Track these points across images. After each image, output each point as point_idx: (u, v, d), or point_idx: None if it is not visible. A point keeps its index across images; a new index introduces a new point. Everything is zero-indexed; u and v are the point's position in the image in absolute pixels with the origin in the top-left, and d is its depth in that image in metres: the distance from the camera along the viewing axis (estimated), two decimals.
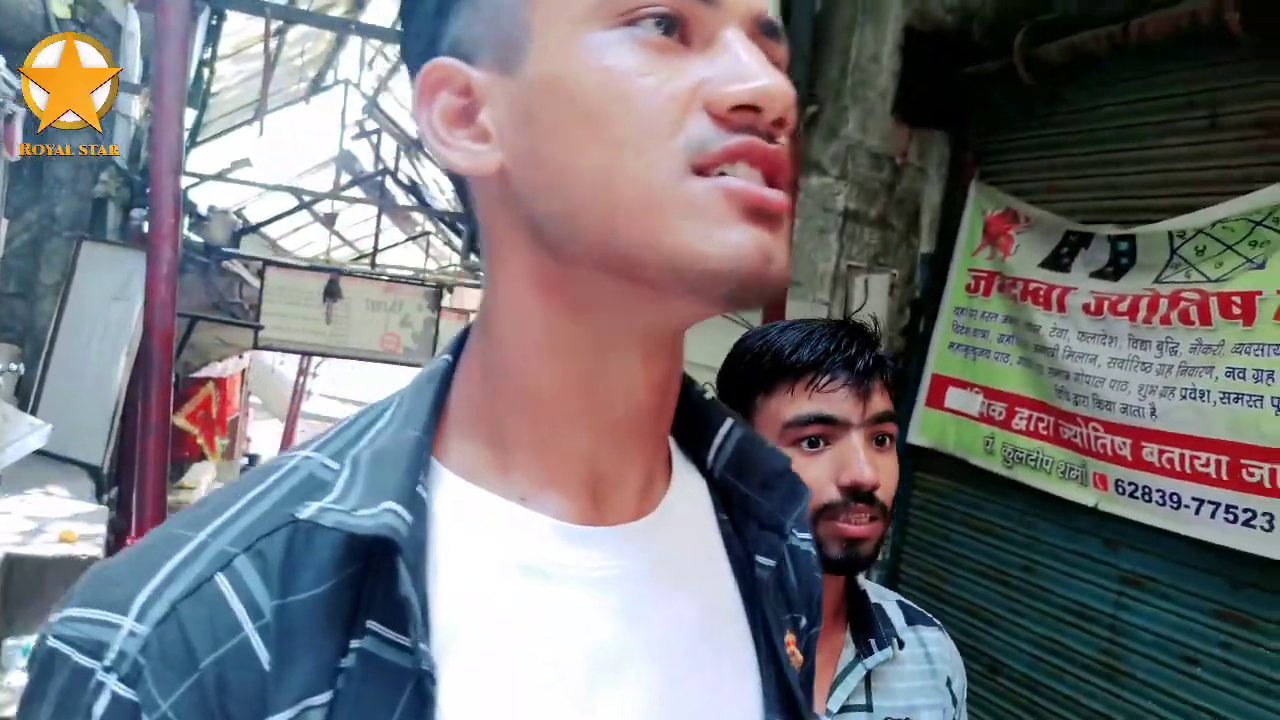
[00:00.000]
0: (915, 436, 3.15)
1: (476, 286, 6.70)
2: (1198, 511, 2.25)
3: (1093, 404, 2.51)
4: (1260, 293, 2.16)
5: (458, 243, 7.90)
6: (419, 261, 7.78)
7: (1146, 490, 2.38)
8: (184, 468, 7.69)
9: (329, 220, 6.49)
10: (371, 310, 6.21)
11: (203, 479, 8.67)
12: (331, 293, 6.02)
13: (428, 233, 8.55)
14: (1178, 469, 2.29)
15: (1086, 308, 2.56)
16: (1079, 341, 2.58)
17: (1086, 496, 2.55)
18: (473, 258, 6.13)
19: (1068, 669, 2.65)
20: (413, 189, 6.63)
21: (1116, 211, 2.65)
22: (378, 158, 6.58)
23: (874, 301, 3.19)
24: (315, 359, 12.11)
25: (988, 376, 2.92)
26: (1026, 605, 2.80)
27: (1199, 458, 2.24)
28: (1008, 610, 2.84)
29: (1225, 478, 2.18)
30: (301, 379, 11.35)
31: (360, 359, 6.33)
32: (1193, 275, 2.36)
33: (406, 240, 8.50)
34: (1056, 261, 2.74)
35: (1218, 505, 2.20)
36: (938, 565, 3.11)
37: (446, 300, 6.64)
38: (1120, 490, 2.45)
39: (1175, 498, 2.30)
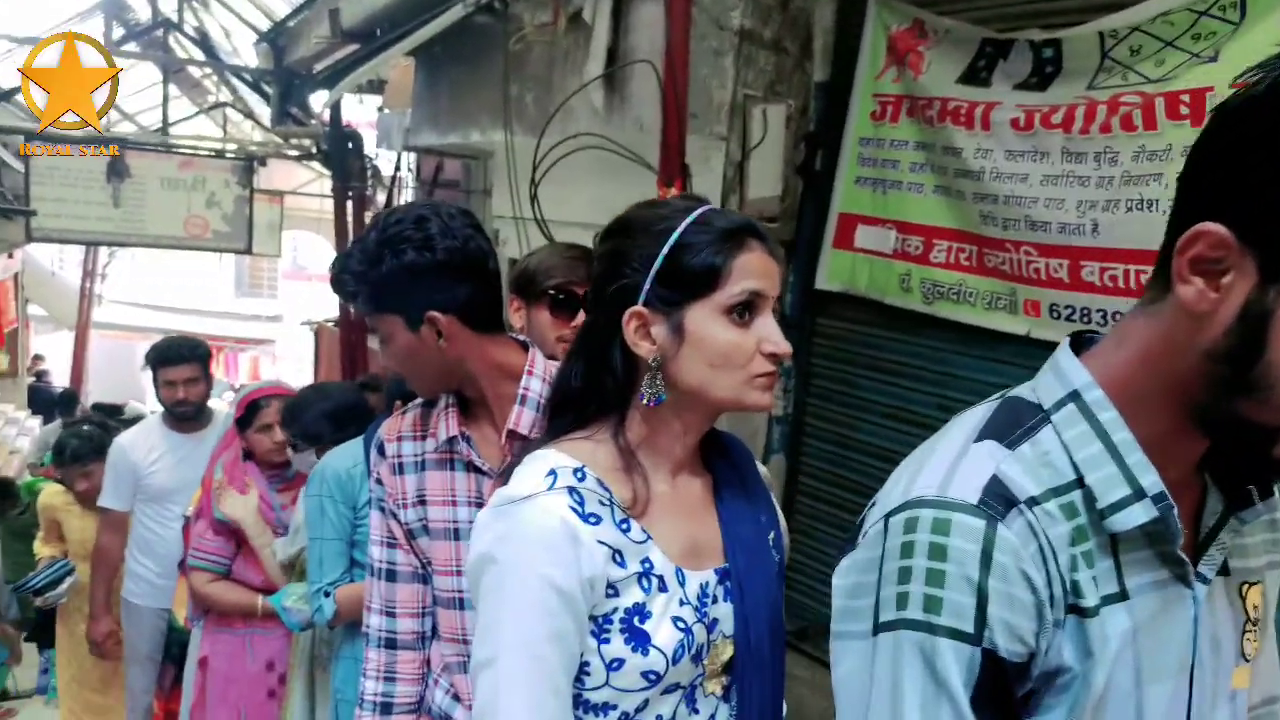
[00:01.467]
0: (824, 281, 2.94)
1: (291, 158, 5.92)
2: None
3: (1024, 226, 2.35)
4: (1211, 89, 2.01)
5: (264, 110, 6.97)
6: (218, 136, 6.79)
7: (1086, 312, 2.26)
8: None
9: None
10: (169, 189, 5.39)
11: None
12: (117, 171, 5.15)
13: (224, 103, 7.51)
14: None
15: (1014, 123, 2.37)
16: (1006, 161, 2.40)
17: (1017, 325, 2.42)
18: (288, 124, 5.37)
19: None
20: (203, 43, 5.68)
21: (1037, 16, 2.44)
22: (155, 7, 5.56)
23: (772, 135, 2.90)
24: (102, 257, 10.73)
25: (901, 209, 2.71)
26: None
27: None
28: (912, 448, 2.73)
29: None
30: (88, 281, 10.03)
31: (161, 247, 5.52)
32: (1130, 78, 2.19)
33: (199, 113, 7.44)
34: (974, 75, 2.52)
35: None
36: (844, 413, 2.97)
37: (258, 178, 5.84)
38: (1055, 315, 2.32)
39: (1119, 317, 2.19)
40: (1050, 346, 2.33)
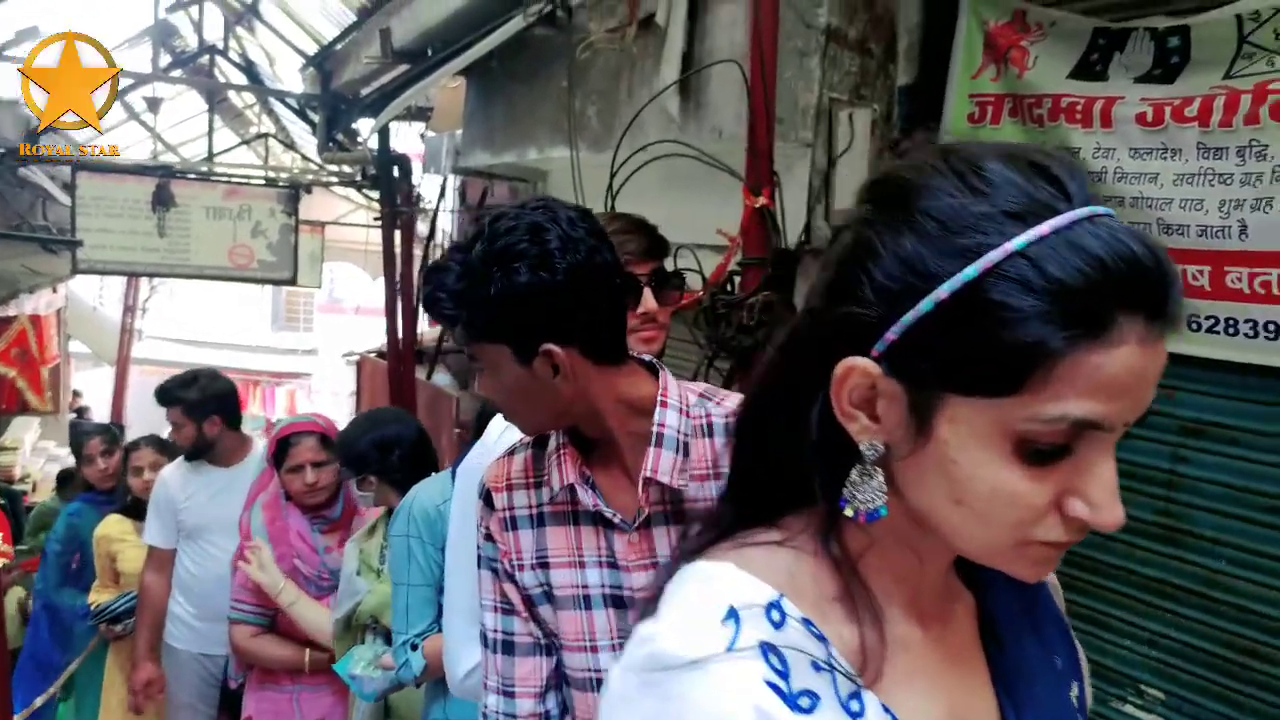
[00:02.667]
0: None
1: (338, 184, 5.83)
2: None
3: (1158, 230, 2.13)
4: None
5: (306, 140, 6.91)
6: (261, 164, 6.74)
7: (1232, 322, 2.03)
8: (3, 423, 6.57)
9: (152, 105, 5.40)
10: (214, 219, 5.30)
11: (25, 436, 7.51)
12: (162, 199, 5.07)
13: (266, 134, 7.48)
14: (1276, 292, 1.95)
15: (1141, 118, 2.16)
16: (1132, 160, 2.19)
17: None
18: (333, 149, 5.28)
19: (1115, 536, 2.34)
20: (248, 70, 5.62)
21: (1155, 3, 2.25)
22: (200, 34, 5.51)
23: (859, 141, 2.71)
24: (143, 292, 10.75)
25: None
26: None
27: None
28: None
29: None
30: (129, 317, 10.03)
31: (206, 278, 5.43)
32: (1278, 63, 1.98)
33: (241, 143, 7.41)
34: (1088, 69, 2.32)
35: None
36: None
37: (303, 205, 5.75)
38: (1194, 326, 2.10)
39: (1272, 327, 1.97)
40: (1190, 361, 2.14)
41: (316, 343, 18.56)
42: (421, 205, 5.63)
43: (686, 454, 1.11)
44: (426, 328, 6.79)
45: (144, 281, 10.76)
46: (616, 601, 1.13)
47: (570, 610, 1.14)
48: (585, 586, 1.13)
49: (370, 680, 1.98)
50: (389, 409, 2.95)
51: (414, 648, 1.85)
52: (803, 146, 2.63)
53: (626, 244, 1.39)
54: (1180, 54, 2.17)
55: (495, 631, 1.20)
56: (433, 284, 1.10)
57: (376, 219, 8.12)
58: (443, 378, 6.54)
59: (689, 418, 1.13)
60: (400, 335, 5.13)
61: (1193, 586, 2.18)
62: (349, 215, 10.10)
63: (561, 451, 1.14)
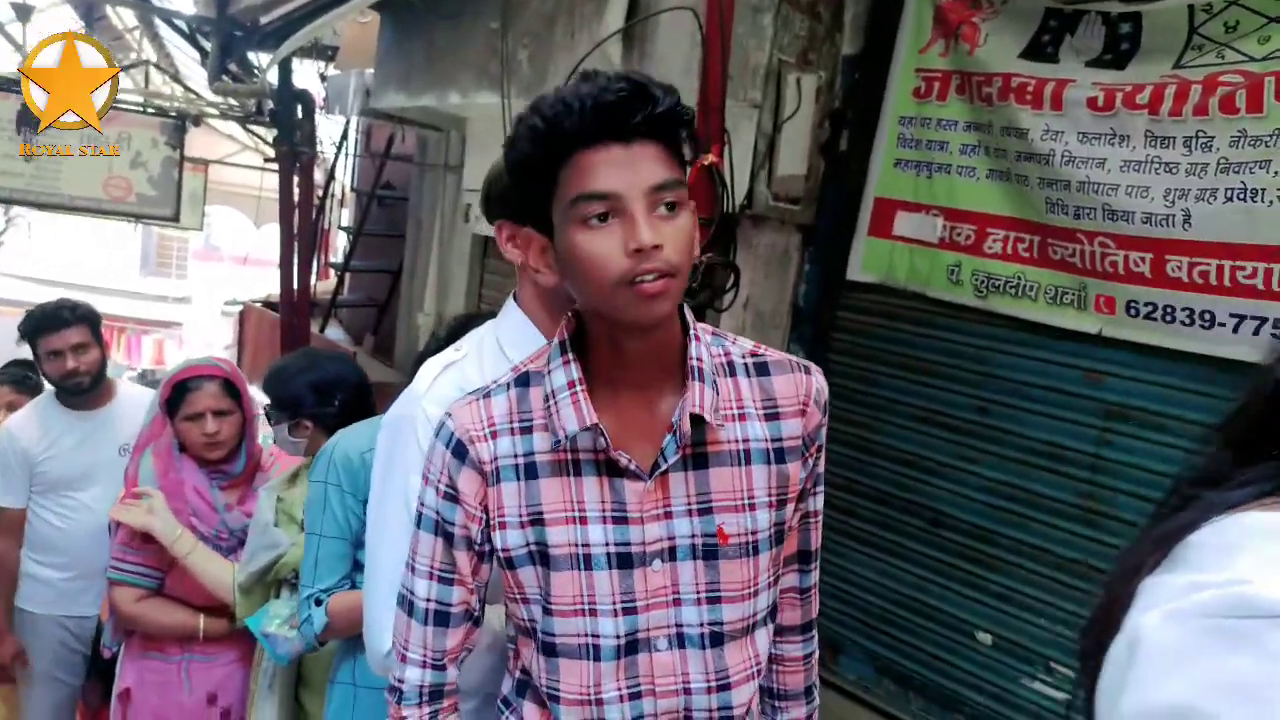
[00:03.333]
0: (857, 271, 2.70)
1: (230, 118, 5.42)
2: (1236, 329, 1.96)
3: (1101, 216, 2.15)
4: None
5: (191, 71, 6.42)
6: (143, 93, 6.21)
7: (1170, 309, 2.06)
8: None
9: (21, 13, 4.84)
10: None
11: None
12: (28, 120, 4.59)
13: (147, 61, 6.91)
14: (1214, 282, 1.99)
15: (1091, 103, 2.17)
16: (1080, 144, 2.20)
17: (1086, 322, 2.22)
18: (225, 80, 4.89)
19: (1034, 516, 2.37)
20: None
21: None
22: None
23: (804, 108, 2.65)
24: None
25: (949, 195, 2.49)
26: (979, 450, 2.48)
27: (1243, 268, 1.94)
28: (954, 457, 2.53)
29: (1278, 288, 1.89)
30: None
31: (78, 210, 4.97)
32: (1228, 56, 2.00)
33: (118, 70, 6.82)
34: (1038, 50, 2.32)
35: (1263, 320, 1.92)
36: (864, 414, 2.74)
37: (189, 138, 5.32)
38: (1133, 312, 2.13)
39: (1208, 316, 2.00)
40: (1125, 346, 2.17)
41: (190, 290, 17.54)
42: (320, 149, 5.30)
43: (716, 392, 1.03)
44: (318, 280, 6.44)
45: None
46: (623, 560, 1.02)
47: (567, 571, 1.02)
48: (587, 545, 1.02)
49: (285, 640, 1.80)
50: (325, 350, 2.67)
51: (318, 603, 1.70)
52: (750, 107, 2.55)
53: None
54: (1131, 40, 2.18)
55: (428, 601, 1.08)
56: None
57: (269, 160, 7.66)
58: (336, 332, 6.21)
59: (711, 355, 1.05)
60: (295, 285, 4.82)
61: (1111, 569, 2.23)
62: (235, 156, 9.51)
63: (574, 391, 1.01)
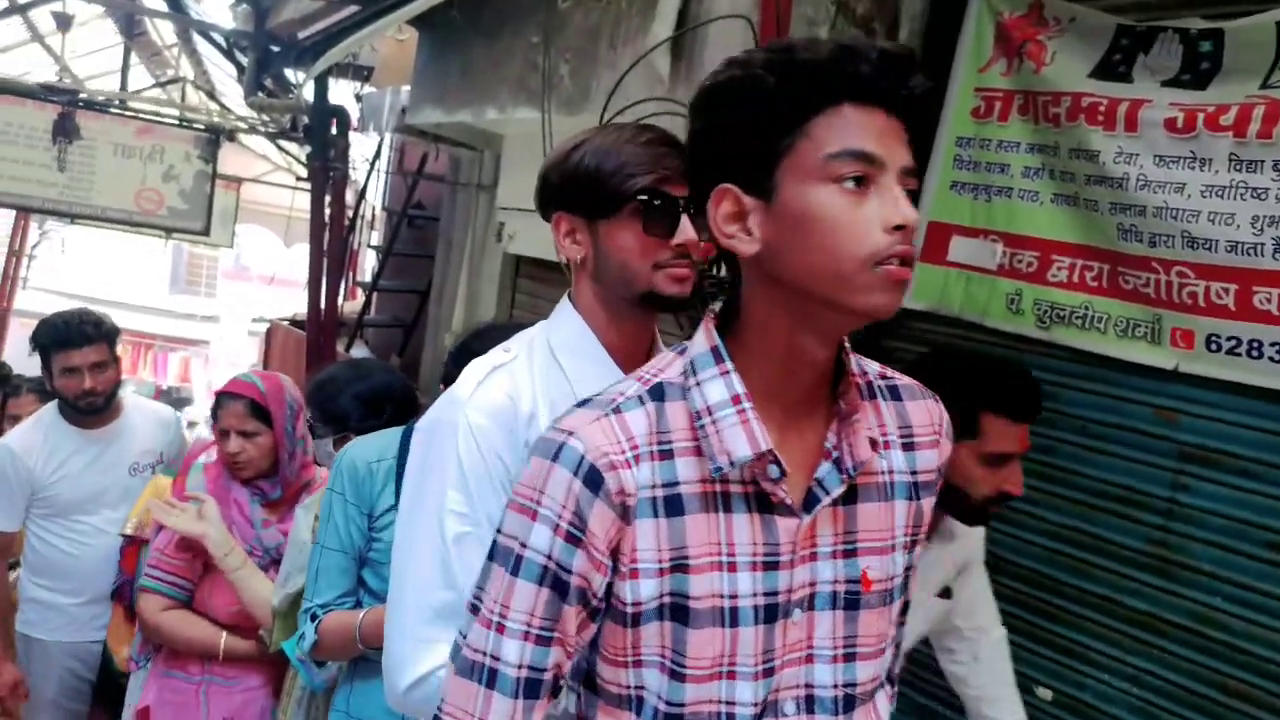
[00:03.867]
0: (909, 299, 2.56)
1: (264, 133, 5.40)
2: None
3: (1181, 244, 2.01)
4: None
5: (230, 90, 6.43)
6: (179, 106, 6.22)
7: (1256, 344, 1.92)
8: None
9: (61, 23, 4.84)
10: (122, 157, 4.84)
11: None
12: (65, 130, 4.59)
13: (183, 79, 6.95)
14: None
15: (1170, 124, 2.04)
16: (1157, 168, 2.06)
17: (1160, 357, 2.08)
18: (261, 95, 4.86)
19: (1101, 564, 2.21)
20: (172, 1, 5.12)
21: (1185, 5, 2.14)
22: None
23: None
24: (31, 237, 9.94)
25: (1009, 220, 2.36)
26: (1041, 491, 2.33)
27: None
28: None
29: None
30: (13, 262, 9.24)
31: (109, 220, 4.95)
32: None
33: (155, 85, 6.87)
34: (1109, 70, 2.19)
35: None
36: None
37: (222, 155, 5.29)
38: (1214, 347, 1.98)
39: None
40: (1204, 382, 2.02)
41: (218, 309, 17.65)
42: (352, 168, 5.26)
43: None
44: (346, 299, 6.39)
45: (34, 226, 9.96)
46: (769, 613, 0.87)
47: (709, 628, 0.86)
48: (734, 595, 0.86)
49: (322, 667, 1.69)
50: (370, 359, 2.56)
51: (313, 618, 1.60)
52: None
53: (663, 159, 1.12)
54: (1212, 59, 2.05)
55: (520, 668, 0.86)
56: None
57: (300, 179, 7.67)
58: (361, 351, 6.15)
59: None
60: (323, 303, 4.76)
61: (1184, 622, 2.06)
62: (268, 176, 9.55)
63: (740, 408, 0.86)
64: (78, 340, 2.52)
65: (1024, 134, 2.36)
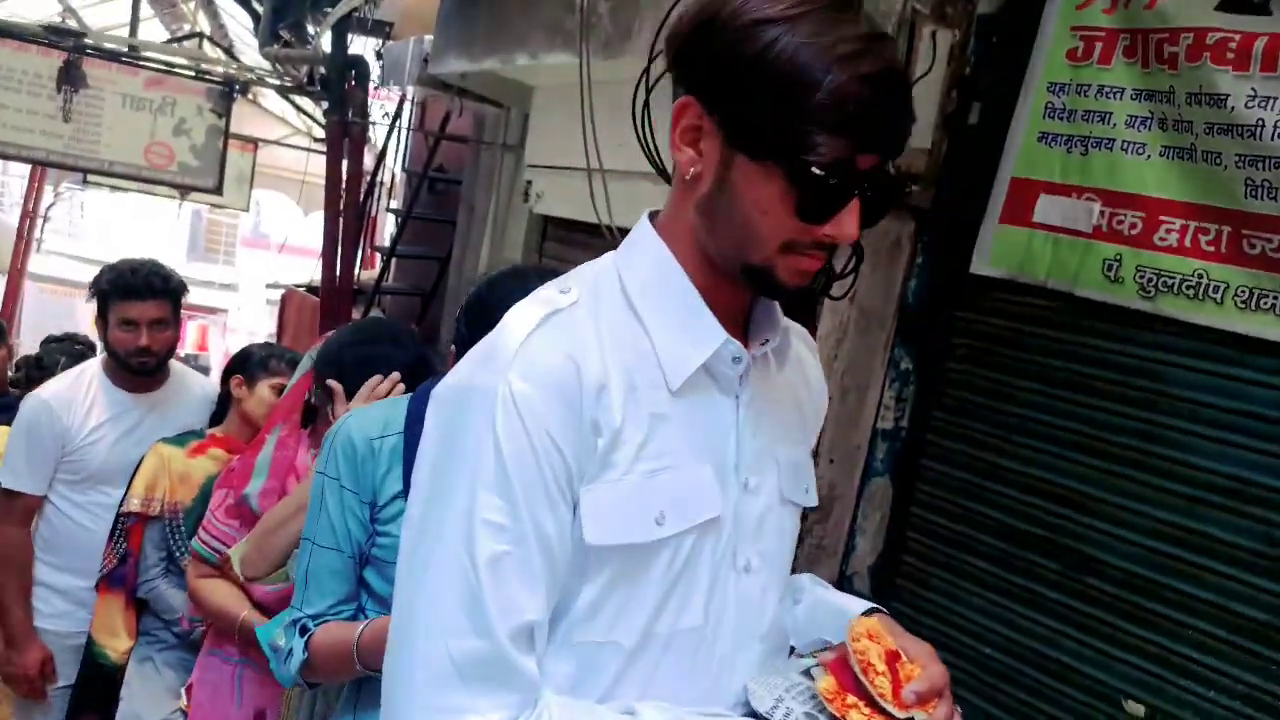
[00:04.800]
0: (985, 265, 2.30)
1: (278, 85, 5.17)
2: None
3: None
4: None
5: (247, 43, 6.19)
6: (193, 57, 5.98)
7: None
8: None
9: None
10: (131, 109, 4.60)
11: None
12: (71, 78, 4.36)
13: (199, 34, 6.71)
14: None
15: None
16: None
17: None
18: (276, 48, 4.61)
19: (1209, 566, 1.95)
20: None
21: None
22: None
23: (938, 68, 2.27)
24: (46, 197, 9.78)
25: (1109, 175, 2.09)
26: (1141, 483, 2.07)
27: None
28: (1108, 490, 2.11)
29: None
30: (29, 223, 9.08)
31: (116, 176, 4.73)
32: None
33: (170, 41, 6.63)
34: (1243, 1, 1.91)
35: None
36: (990, 433, 2.33)
37: (233, 121, 5.05)
38: None
39: None
40: None
41: (236, 278, 17.51)
42: (370, 132, 5.02)
43: None
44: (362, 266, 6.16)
45: (48, 187, 9.79)
46: None
47: None
48: None
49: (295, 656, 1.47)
50: (384, 320, 2.27)
51: (303, 631, 1.35)
52: None
53: (886, 120, 0.81)
54: None
55: None
56: None
57: (318, 140, 7.42)
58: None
59: None
60: (339, 267, 4.53)
61: None
62: (287, 139, 9.32)
63: None
64: (142, 291, 2.31)
65: (1130, 78, 2.08)
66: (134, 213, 14.90)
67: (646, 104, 2.08)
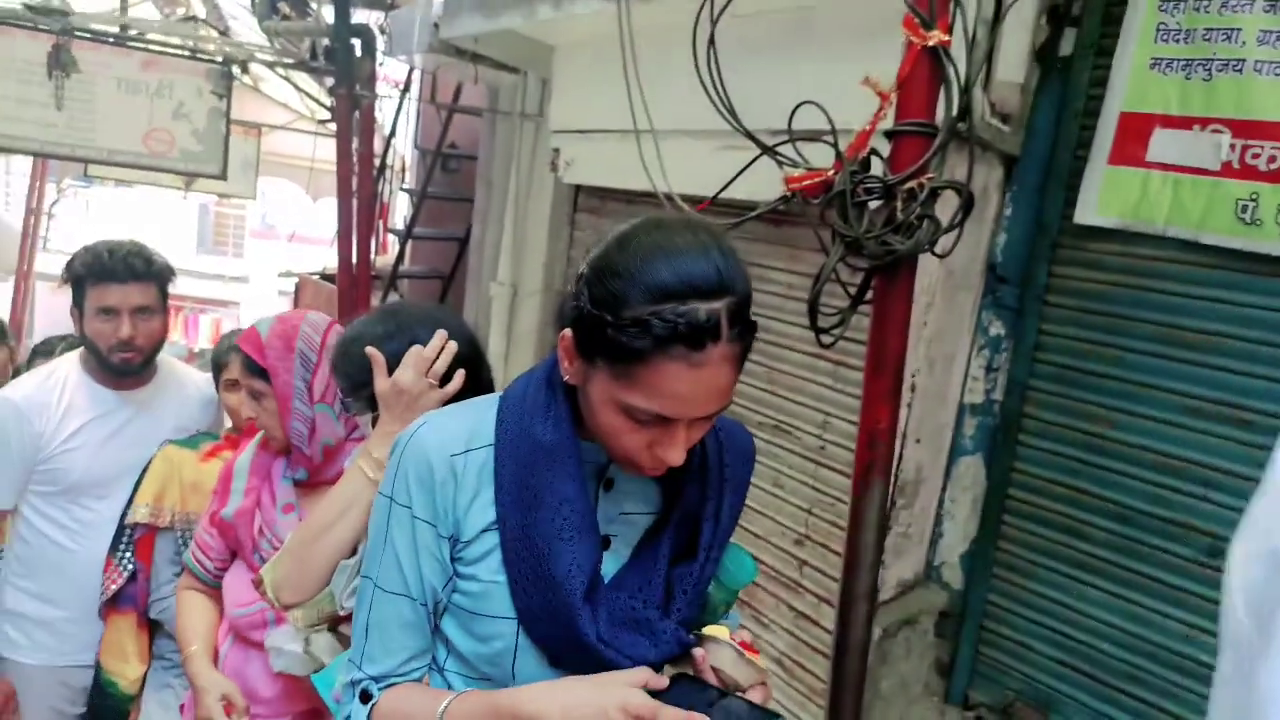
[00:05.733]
0: (1090, 213, 2.03)
1: (278, 62, 4.90)
2: None
3: None
4: None
5: (244, 21, 5.92)
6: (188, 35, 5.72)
7: None
8: None
9: None
10: (126, 93, 4.35)
11: None
12: (60, 62, 4.11)
13: (194, 18, 6.43)
14: None
15: None
16: None
17: None
18: (276, 20, 4.34)
19: None
20: None
21: None
22: None
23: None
24: (50, 194, 9.55)
25: (1240, 102, 1.81)
26: None
27: None
28: (1247, 464, 1.85)
29: None
30: (34, 221, 8.86)
31: (115, 165, 4.47)
32: None
33: (164, 19, 6.36)
34: None
35: None
36: (1101, 404, 2.07)
37: (235, 108, 4.77)
38: None
39: None
40: None
41: (247, 269, 17.30)
42: (381, 98, 4.74)
43: None
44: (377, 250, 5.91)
45: (50, 185, 9.57)
46: None
47: None
48: None
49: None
50: (416, 304, 1.86)
51: (364, 697, 1.06)
52: None
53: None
54: None
55: None
56: None
57: (324, 123, 7.16)
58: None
59: None
60: (354, 250, 4.27)
61: None
62: (290, 125, 9.06)
63: None
64: (121, 274, 2.00)
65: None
66: (140, 208, 14.70)
67: (712, 40, 1.83)
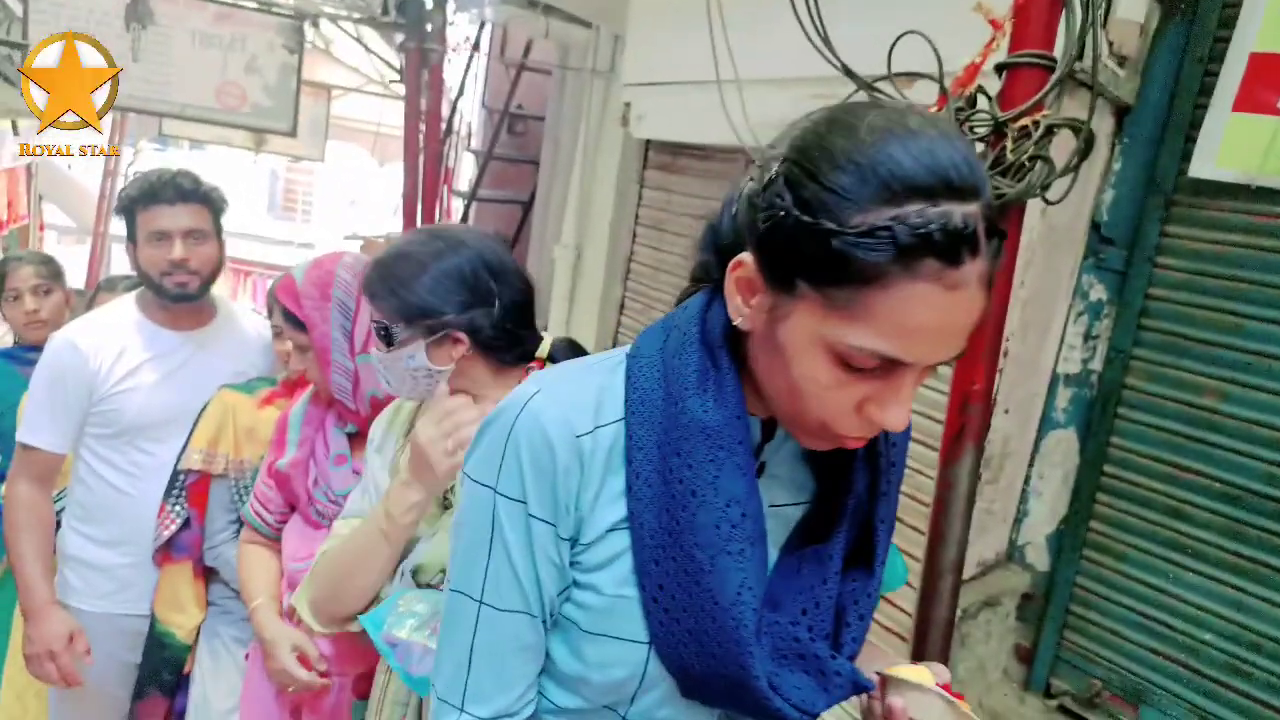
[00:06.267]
0: (1209, 166, 1.87)
1: (351, 19, 4.86)
2: None
3: None
4: None
5: None
6: None
7: None
8: None
9: None
10: (200, 47, 4.35)
11: None
12: (138, 14, 4.12)
13: None
14: None
15: None
16: None
17: None
18: None
19: None
20: None
21: None
22: None
23: None
24: (125, 155, 9.74)
25: None
26: None
27: None
28: None
29: None
30: (109, 182, 9.05)
31: (188, 118, 4.49)
32: None
33: None
34: None
35: None
36: (1213, 376, 1.91)
37: (304, 71, 4.74)
38: None
39: None
40: None
41: (315, 236, 17.55)
42: (451, 50, 4.68)
43: None
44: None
45: (127, 146, 9.76)
46: None
47: None
48: None
49: (422, 653, 1.12)
50: (462, 227, 1.71)
51: None
52: None
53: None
54: None
55: None
56: None
57: (392, 82, 7.14)
58: None
59: None
60: (421, 208, 4.24)
61: None
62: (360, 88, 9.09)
63: None
64: (170, 195, 1.93)
65: None
66: (213, 172, 14.97)
67: None
